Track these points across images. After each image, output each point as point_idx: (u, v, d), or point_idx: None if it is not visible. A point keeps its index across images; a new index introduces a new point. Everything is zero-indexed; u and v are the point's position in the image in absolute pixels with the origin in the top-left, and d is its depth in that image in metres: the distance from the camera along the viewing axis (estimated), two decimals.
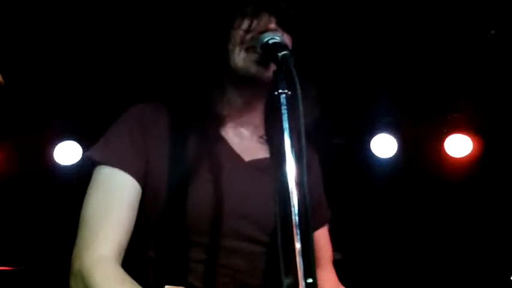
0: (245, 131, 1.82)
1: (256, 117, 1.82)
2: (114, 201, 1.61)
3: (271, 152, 1.82)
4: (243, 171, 1.73)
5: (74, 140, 5.24)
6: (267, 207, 1.71)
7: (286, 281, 1.62)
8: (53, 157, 5.28)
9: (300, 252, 1.25)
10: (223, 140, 1.76)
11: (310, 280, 1.28)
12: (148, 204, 1.68)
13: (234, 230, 1.66)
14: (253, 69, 1.64)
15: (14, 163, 5.41)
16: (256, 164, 1.77)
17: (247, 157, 1.77)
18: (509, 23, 4.38)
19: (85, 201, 1.64)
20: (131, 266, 1.64)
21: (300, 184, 1.31)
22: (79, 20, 4.25)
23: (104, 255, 1.54)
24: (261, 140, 1.83)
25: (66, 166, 5.19)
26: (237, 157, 1.75)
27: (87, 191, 1.66)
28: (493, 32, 4.50)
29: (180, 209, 1.62)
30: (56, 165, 5.25)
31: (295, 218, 1.28)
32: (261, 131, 1.84)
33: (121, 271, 1.55)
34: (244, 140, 1.81)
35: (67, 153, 5.22)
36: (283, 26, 1.66)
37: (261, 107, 1.82)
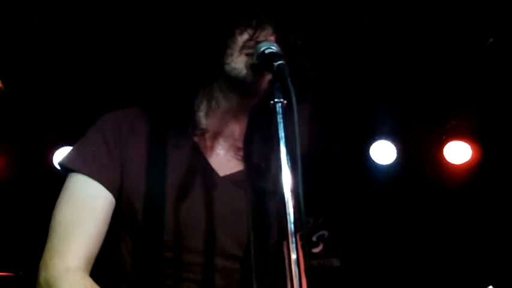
0: (224, 143, 1.79)
1: (237, 129, 1.80)
2: (85, 212, 1.58)
3: (247, 165, 1.80)
4: (218, 187, 1.71)
5: (73, 145, 5.23)
6: (241, 222, 1.71)
7: None
8: (53, 163, 5.29)
9: (296, 261, 1.25)
10: (200, 154, 1.74)
11: None
12: (124, 217, 1.66)
13: (210, 247, 1.65)
14: (248, 72, 1.64)
15: (14, 168, 5.41)
16: (231, 178, 1.76)
17: (222, 171, 1.75)
18: (508, 31, 4.39)
19: (56, 208, 1.61)
20: (105, 279, 1.63)
21: (294, 193, 1.31)
22: (78, 28, 4.26)
23: (72, 265, 1.52)
24: (238, 152, 1.81)
25: None
26: (213, 172, 1.73)
27: (59, 198, 1.63)
28: (491, 40, 4.51)
29: (156, 224, 1.60)
30: (55, 171, 5.25)
31: (291, 227, 1.28)
32: (240, 143, 1.82)
33: (89, 280, 1.53)
34: (221, 153, 1.78)
35: None
36: (283, 45, 1.65)
37: (243, 120, 1.80)
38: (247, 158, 1.81)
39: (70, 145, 5.22)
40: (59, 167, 1.71)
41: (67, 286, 1.49)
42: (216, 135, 1.77)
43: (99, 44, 4.45)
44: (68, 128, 5.24)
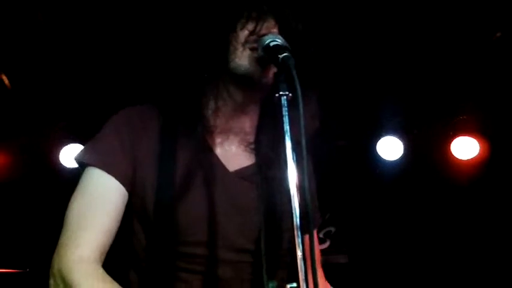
0: (234, 138, 1.80)
1: (247, 123, 1.80)
2: (98, 205, 1.62)
3: (257, 158, 1.80)
4: (228, 183, 1.72)
5: (79, 142, 5.26)
6: (252, 217, 1.71)
7: (270, 285, 1.61)
8: (59, 160, 5.31)
9: (301, 256, 1.24)
10: (210, 150, 1.75)
11: (294, 284, 1.28)
12: (136, 211, 1.69)
13: (221, 241, 1.66)
14: (252, 67, 1.63)
15: (20, 166, 5.44)
16: (241, 173, 1.76)
17: (232, 167, 1.76)
18: None
19: (71, 201, 1.65)
20: (116, 271, 1.64)
21: (300, 187, 1.30)
22: (85, 24, 4.26)
23: (85, 255, 1.54)
24: (249, 146, 1.81)
25: (72, 168, 5.21)
26: (222, 167, 1.74)
27: (74, 192, 1.67)
28: (498, 34, 4.48)
29: (167, 219, 1.63)
30: (61, 168, 5.28)
31: (297, 221, 1.27)
32: (251, 137, 1.82)
33: (101, 271, 1.55)
34: (231, 148, 1.79)
35: (73, 155, 5.23)
36: (285, 34, 1.63)
37: (253, 113, 1.80)
38: (258, 151, 1.81)
39: (77, 142, 5.28)
40: (75, 162, 1.74)
41: (79, 276, 1.50)
42: (225, 131, 1.78)
43: (104, 41, 4.45)
44: (75, 125, 5.26)
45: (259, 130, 1.82)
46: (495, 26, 4.45)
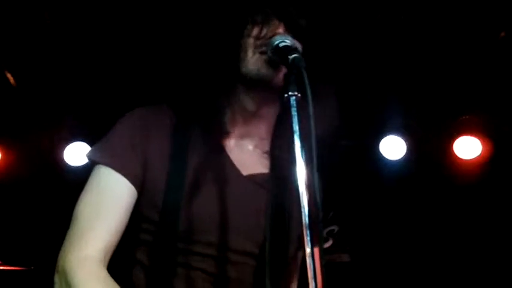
0: (249, 144, 1.81)
1: (263, 128, 1.81)
2: (106, 203, 1.62)
3: (272, 168, 1.81)
4: (240, 185, 1.73)
5: (83, 140, 5.27)
6: (260, 221, 1.73)
7: None
8: (63, 158, 5.31)
9: (310, 253, 1.25)
10: (224, 152, 1.76)
11: None
12: (145, 210, 1.69)
13: (227, 243, 1.68)
14: (264, 70, 1.64)
15: (24, 164, 5.44)
16: (253, 178, 1.77)
17: (245, 171, 1.77)
18: None
19: (79, 199, 1.65)
20: (120, 269, 1.66)
21: (310, 187, 1.31)
22: (90, 22, 4.27)
23: (89, 255, 1.55)
24: (264, 154, 1.83)
25: (76, 167, 5.22)
26: (236, 170, 1.75)
27: (84, 189, 1.67)
28: (503, 34, 4.49)
29: (175, 219, 1.63)
30: (66, 166, 5.28)
31: (306, 220, 1.28)
32: (266, 145, 1.83)
33: (104, 271, 1.55)
34: (245, 153, 1.80)
35: (77, 153, 5.26)
36: (292, 31, 1.66)
37: (269, 117, 1.81)
38: (273, 159, 1.82)
39: (82, 140, 5.29)
40: (86, 159, 1.74)
41: (82, 274, 1.51)
42: (241, 136, 1.80)
43: (111, 40, 4.46)
44: (80, 123, 5.27)
45: (275, 136, 1.84)
46: (499, 26, 4.45)
